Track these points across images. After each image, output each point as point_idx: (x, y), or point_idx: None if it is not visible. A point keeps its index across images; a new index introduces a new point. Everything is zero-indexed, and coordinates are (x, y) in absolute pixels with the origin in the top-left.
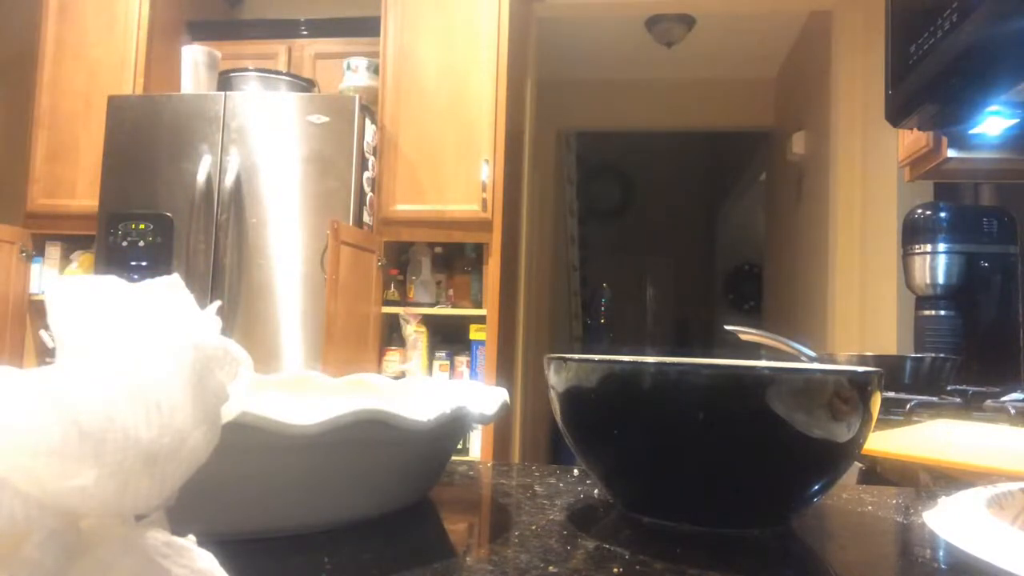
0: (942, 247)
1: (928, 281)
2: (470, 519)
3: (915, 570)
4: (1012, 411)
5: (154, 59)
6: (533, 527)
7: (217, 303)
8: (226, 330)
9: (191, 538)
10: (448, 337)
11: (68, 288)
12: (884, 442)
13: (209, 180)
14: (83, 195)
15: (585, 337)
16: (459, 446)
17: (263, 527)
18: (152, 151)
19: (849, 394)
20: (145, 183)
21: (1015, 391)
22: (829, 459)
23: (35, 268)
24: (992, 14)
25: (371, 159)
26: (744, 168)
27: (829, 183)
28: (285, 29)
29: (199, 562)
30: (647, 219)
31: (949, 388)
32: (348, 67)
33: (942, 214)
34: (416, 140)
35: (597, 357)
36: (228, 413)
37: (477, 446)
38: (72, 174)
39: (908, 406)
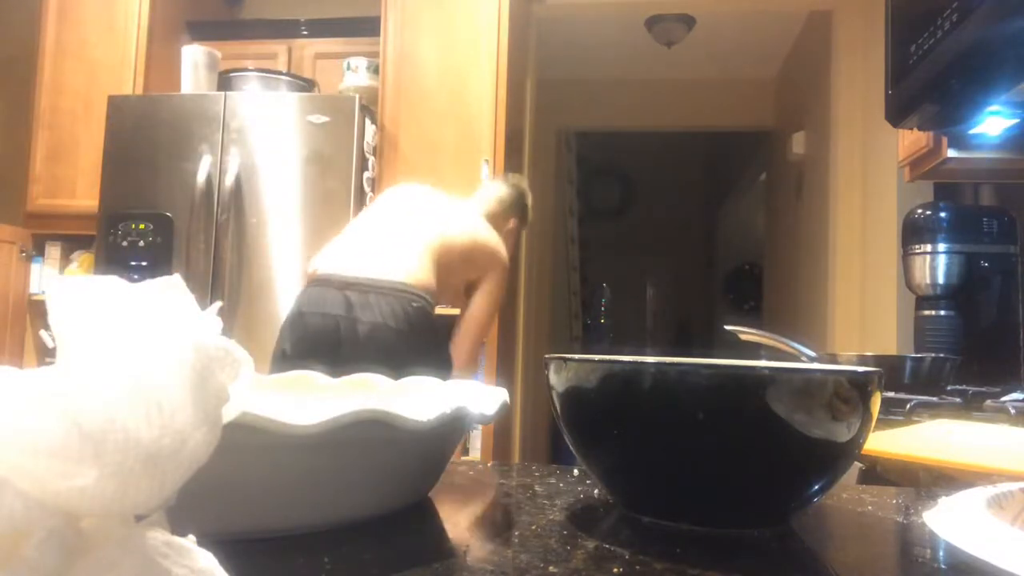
0: (942, 247)
1: (928, 281)
2: (470, 519)
3: (915, 570)
4: (1012, 411)
5: (154, 59)
6: (533, 527)
7: (218, 303)
8: (226, 330)
9: (191, 538)
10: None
11: (68, 288)
12: (884, 442)
13: (209, 180)
14: (83, 195)
15: (585, 337)
16: (459, 446)
17: (263, 527)
18: (152, 151)
19: (849, 394)
20: (145, 183)
21: (1015, 391)
22: (829, 459)
23: (35, 268)
24: (992, 14)
25: (371, 159)
26: (744, 168)
27: (829, 183)
28: (285, 29)
29: (199, 562)
30: (647, 219)
31: (949, 388)
32: (348, 67)
33: (942, 214)
34: (416, 140)
35: (597, 357)
36: (229, 414)
37: (477, 446)
38: (72, 174)
39: (908, 406)
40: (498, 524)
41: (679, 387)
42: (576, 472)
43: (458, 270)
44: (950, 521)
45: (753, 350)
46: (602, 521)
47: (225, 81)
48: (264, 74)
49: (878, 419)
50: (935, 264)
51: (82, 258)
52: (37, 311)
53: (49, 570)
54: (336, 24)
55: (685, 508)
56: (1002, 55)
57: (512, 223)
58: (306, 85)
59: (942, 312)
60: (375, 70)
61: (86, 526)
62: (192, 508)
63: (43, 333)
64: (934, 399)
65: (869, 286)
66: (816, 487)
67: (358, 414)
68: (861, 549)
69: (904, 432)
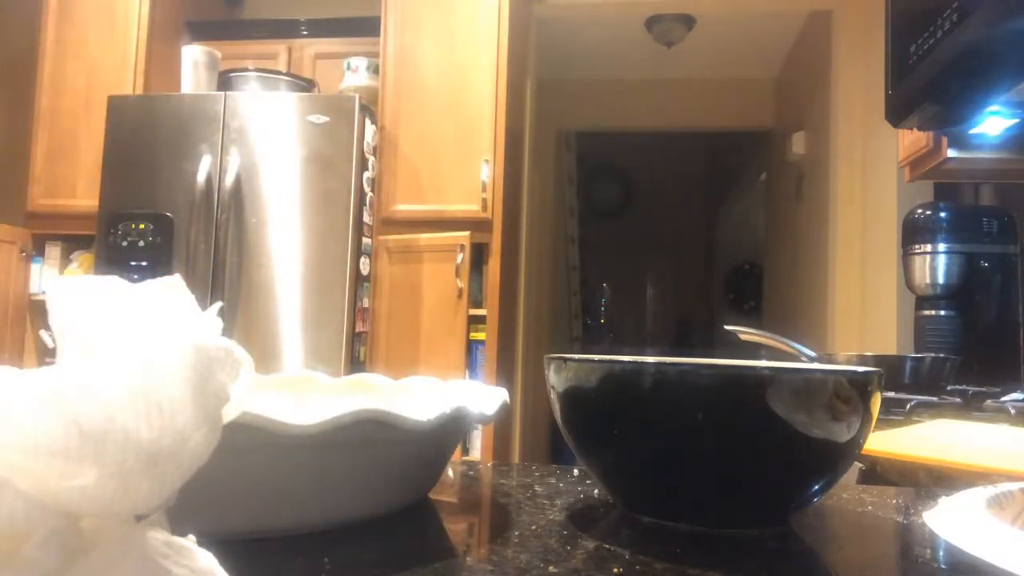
0: (942, 247)
1: (928, 281)
2: (470, 519)
3: (915, 570)
4: (1012, 411)
5: (154, 59)
6: (533, 527)
7: (218, 304)
8: (226, 330)
9: (191, 538)
10: None
11: (69, 288)
12: (884, 442)
13: (209, 180)
14: (83, 195)
15: (585, 337)
16: (459, 446)
17: (263, 527)
18: (152, 151)
19: (849, 394)
20: (145, 183)
21: (1015, 391)
22: (829, 459)
23: (35, 268)
24: (992, 14)
25: (371, 159)
26: (744, 168)
27: (829, 183)
28: (285, 29)
29: (199, 562)
30: (647, 219)
31: (949, 388)
32: (348, 67)
33: (942, 214)
34: (416, 140)
35: (597, 357)
36: (229, 414)
37: (477, 446)
38: (72, 174)
39: (908, 406)
40: (498, 524)
41: (679, 387)
42: (576, 472)
43: None
44: (950, 521)
45: (753, 350)
46: (602, 521)
47: (225, 81)
48: (264, 74)
49: (878, 419)
50: (935, 264)
51: (82, 258)
52: (37, 311)
53: (49, 570)
54: (336, 24)
55: (685, 508)
56: (1002, 55)
57: None
58: (306, 85)
59: (942, 312)
60: (375, 70)
61: (86, 526)
62: (192, 508)
63: (43, 333)
64: (934, 399)
65: (869, 286)
66: (816, 487)
67: (358, 414)
68: (861, 549)
69: (904, 432)
